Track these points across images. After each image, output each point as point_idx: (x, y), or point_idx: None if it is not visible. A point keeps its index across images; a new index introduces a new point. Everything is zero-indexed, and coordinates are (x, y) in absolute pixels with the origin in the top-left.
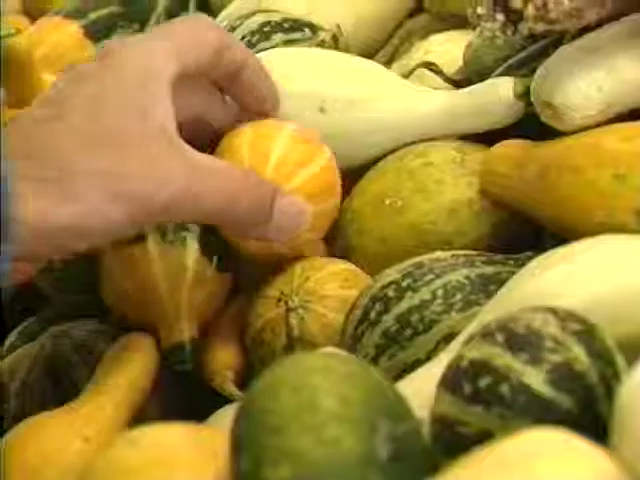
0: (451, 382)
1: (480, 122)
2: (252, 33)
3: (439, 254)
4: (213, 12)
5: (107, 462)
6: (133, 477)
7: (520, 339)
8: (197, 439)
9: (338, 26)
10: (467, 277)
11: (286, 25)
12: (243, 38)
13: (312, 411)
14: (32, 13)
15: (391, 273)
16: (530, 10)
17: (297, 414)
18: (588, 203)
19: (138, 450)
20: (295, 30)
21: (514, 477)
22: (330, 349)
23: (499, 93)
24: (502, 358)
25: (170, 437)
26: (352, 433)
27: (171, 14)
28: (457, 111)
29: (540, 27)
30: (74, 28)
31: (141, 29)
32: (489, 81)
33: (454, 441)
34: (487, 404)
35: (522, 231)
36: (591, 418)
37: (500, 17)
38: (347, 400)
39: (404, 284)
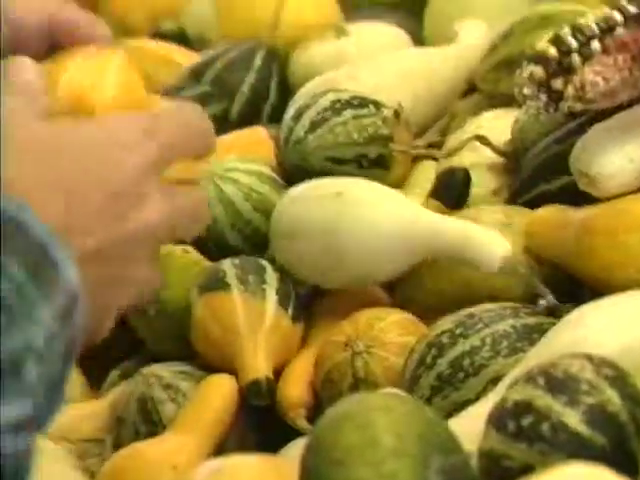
0: (497, 420)
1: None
2: (325, 109)
3: (488, 306)
4: (292, 91)
5: None
6: None
7: (559, 383)
8: (271, 469)
9: (399, 104)
10: (513, 326)
11: (354, 102)
12: (318, 114)
13: (373, 447)
14: None
15: (445, 322)
16: (570, 91)
17: (359, 449)
18: (620, 261)
19: (220, 477)
20: (362, 107)
21: None
22: (390, 389)
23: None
24: (543, 399)
25: (248, 466)
26: (408, 467)
27: (255, 92)
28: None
29: (578, 106)
30: None
31: (229, 106)
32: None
33: (500, 474)
34: (529, 441)
35: (562, 285)
36: (623, 455)
37: (543, 97)
38: (404, 437)
39: (457, 332)
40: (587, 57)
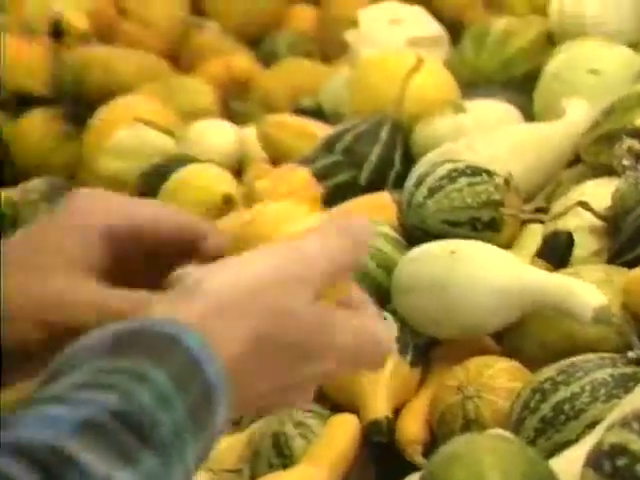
0: (594, 461)
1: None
2: (442, 177)
3: (588, 356)
4: (415, 160)
5: None
6: None
7: None
8: None
9: (509, 173)
10: (610, 375)
11: (469, 171)
12: (436, 181)
13: None
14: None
15: (548, 370)
16: None
17: None
18: None
19: None
20: (476, 175)
21: None
22: (498, 430)
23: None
24: (637, 443)
25: None
26: None
27: (382, 161)
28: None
29: None
30: (304, 172)
31: (358, 173)
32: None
33: None
34: None
35: None
36: None
37: None
38: (508, 474)
39: (559, 379)
40: None
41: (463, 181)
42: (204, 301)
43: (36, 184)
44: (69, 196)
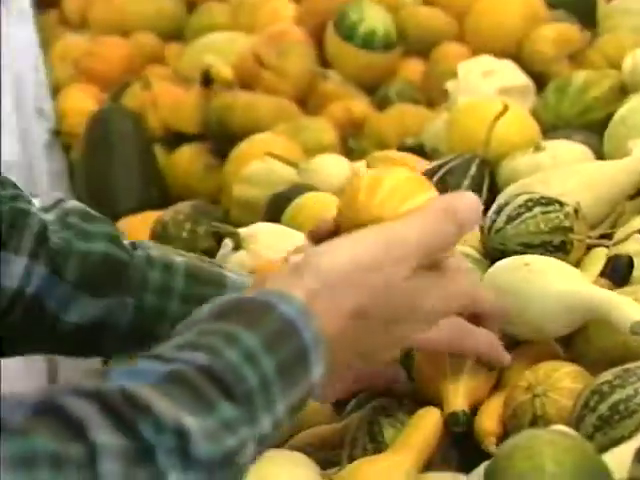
0: None
1: None
2: (519, 206)
3: None
4: (499, 192)
5: None
6: None
7: None
8: None
9: (578, 203)
10: None
11: (543, 201)
12: (514, 209)
13: (537, 472)
14: None
15: (607, 374)
16: None
17: (526, 475)
18: None
19: None
20: (549, 205)
21: None
22: (561, 427)
23: None
24: None
25: None
26: None
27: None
28: None
29: None
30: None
31: None
32: None
33: None
34: None
35: None
36: None
37: None
38: (564, 465)
39: (615, 383)
40: None
41: (537, 210)
42: (312, 277)
43: (183, 207)
44: None
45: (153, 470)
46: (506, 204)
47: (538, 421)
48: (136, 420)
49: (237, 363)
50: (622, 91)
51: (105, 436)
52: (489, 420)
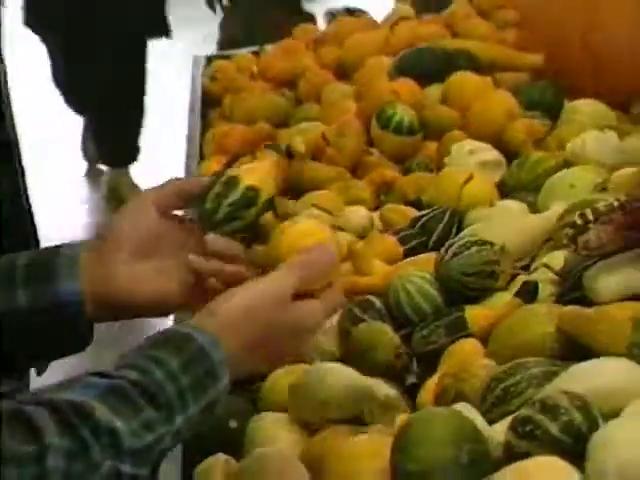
0: (512, 426)
1: None
2: (461, 246)
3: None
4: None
5: None
6: None
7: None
8: None
9: (504, 244)
10: (540, 371)
11: (479, 242)
12: (457, 248)
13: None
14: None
15: (504, 366)
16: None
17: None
18: None
19: None
20: (482, 245)
21: None
22: (463, 404)
23: None
24: (538, 416)
25: None
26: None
27: (443, 234)
28: None
29: (583, 252)
30: (393, 239)
31: (427, 241)
32: None
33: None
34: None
35: None
36: None
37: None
38: (446, 431)
39: (509, 372)
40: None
41: (474, 249)
42: (218, 317)
43: None
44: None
45: (89, 462)
46: (453, 243)
47: (457, 398)
48: (79, 425)
49: (161, 380)
50: (565, 165)
51: (54, 438)
52: (427, 395)
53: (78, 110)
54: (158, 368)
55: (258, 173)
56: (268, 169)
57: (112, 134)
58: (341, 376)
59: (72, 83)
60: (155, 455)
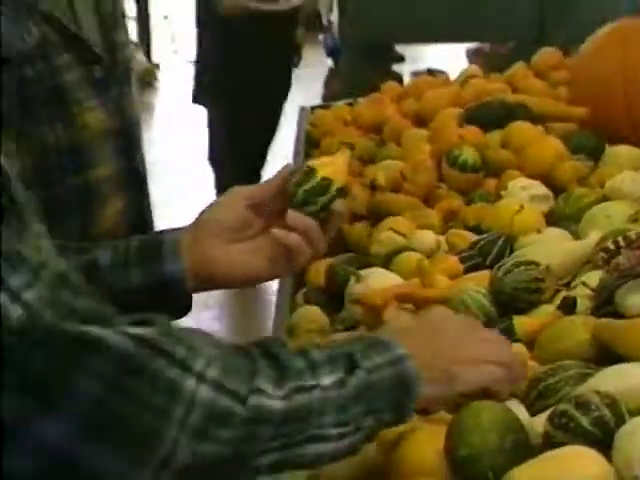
0: (550, 418)
1: None
2: (512, 265)
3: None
4: None
5: None
6: None
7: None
8: None
9: (549, 265)
10: (576, 372)
11: (526, 263)
12: (509, 267)
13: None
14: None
15: (545, 367)
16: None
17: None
18: None
19: None
20: (529, 265)
21: None
22: (513, 400)
23: None
24: (572, 411)
25: None
26: None
27: (498, 256)
28: None
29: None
30: (455, 259)
31: (484, 261)
32: None
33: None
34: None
35: None
36: None
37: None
38: (494, 421)
39: (549, 372)
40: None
41: (522, 267)
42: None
43: (344, 257)
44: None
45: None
46: (505, 263)
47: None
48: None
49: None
50: (603, 200)
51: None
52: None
53: (218, 166)
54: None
55: (332, 166)
56: (341, 163)
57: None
58: None
59: (233, 151)
60: (353, 382)
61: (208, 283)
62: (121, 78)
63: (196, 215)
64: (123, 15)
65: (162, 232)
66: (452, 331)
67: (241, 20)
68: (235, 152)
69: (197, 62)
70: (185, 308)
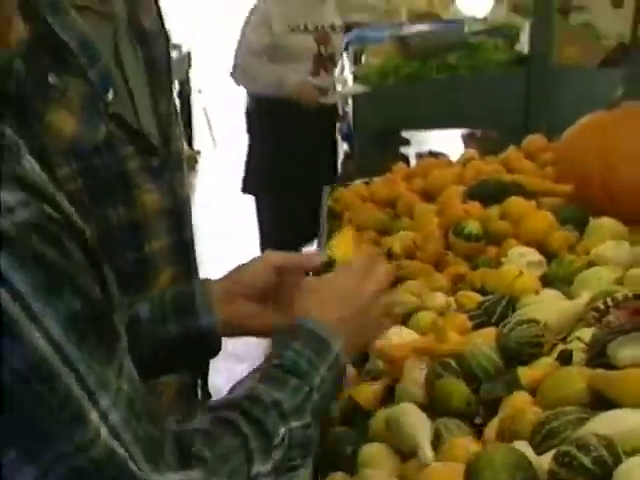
0: (554, 457)
1: None
2: (515, 323)
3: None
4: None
5: None
6: None
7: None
8: None
9: (546, 321)
10: (578, 417)
11: (528, 320)
12: (513, 324)
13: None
14: None
15: (548, 412)
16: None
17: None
18: None
19: None
20: (531, 322)
21: None
22: (520, 442)
23: None
24: (574, 452)
25: None
26: None
27: (501, 315)
28: None
29: (606, 330)
30: (464, 317)
31: (490, 318)
32: None
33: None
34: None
35: None
36: None
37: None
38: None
39: (551, 417)
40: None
41: (525, 325)
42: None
43: None
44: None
45: (268, 435)
46: (509, 321)
47: (513, 436)
48: (250, 409)
49: (293, 357)
50: (590, 265)
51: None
52: (491, 432)
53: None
54: (287, 350)
55: (344, 246)
56: (349, 240)
57: None
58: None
59: (283, 236)
60: (310, 405)
61: (236, 332)
62: (174, 165)
63: (231, 270)
64: (176, 114)
65: (193, 284)
66: (356, 300)
67: (292, 110)
68: (285, 237)
69: (248, 152)
70: (217, 350)
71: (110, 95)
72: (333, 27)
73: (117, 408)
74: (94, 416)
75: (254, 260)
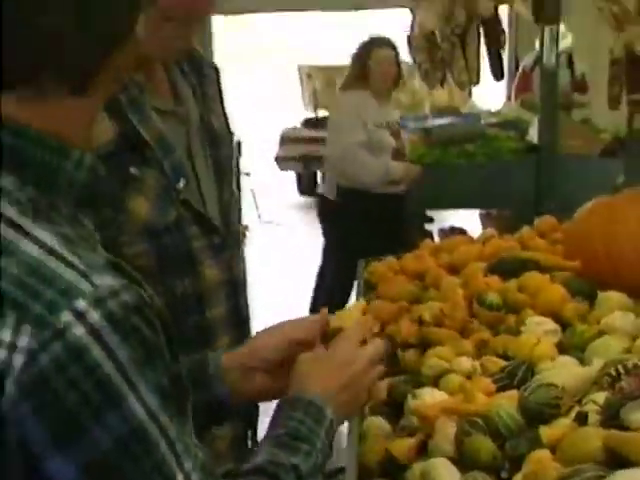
0: None
1: None
2: (536, 387)
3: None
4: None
5: None
6: None
7: None
8: None
9: (564, 385)
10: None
11: (546, 384)
12: (533, 389)
13: None
14: None
15: (568, 470)
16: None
17: None
18: None
19: None
20: (549, 386)
21: None
22: None
23: None
24: None
25: None
26: None
27: (521, 379)
28: None
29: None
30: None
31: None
32: None
33: None
34: None
35: None
36: None
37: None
38: None
39: (570, 473)
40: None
41: (544, 388)
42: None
43: None
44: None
45: None
46: (530, 385)
47: None
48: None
49: (297, 425)
50: (600, 334)
51: None
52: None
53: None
54: (291, 420)
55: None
56: (356, 314)
57: None
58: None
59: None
60: (319, 467)
61: (247, 398)
62: (232, 243)
63: (250, 340)
64: (236, 201)
65: (205, 354)
66: (348, 371)
67: (373, 199)
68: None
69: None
70: (229, 413)
71: (181, 184)
72: (398, 122)
73: (195, 471)
74: (180, 478)
75: (273, 331)
